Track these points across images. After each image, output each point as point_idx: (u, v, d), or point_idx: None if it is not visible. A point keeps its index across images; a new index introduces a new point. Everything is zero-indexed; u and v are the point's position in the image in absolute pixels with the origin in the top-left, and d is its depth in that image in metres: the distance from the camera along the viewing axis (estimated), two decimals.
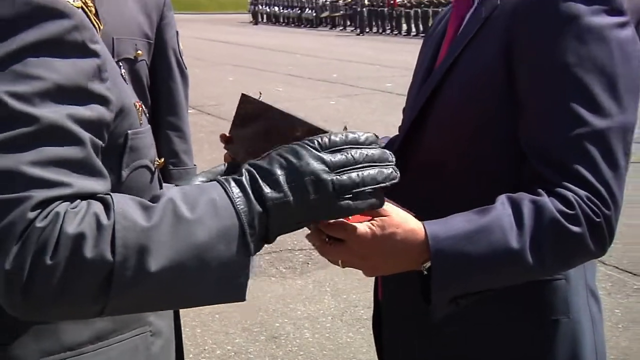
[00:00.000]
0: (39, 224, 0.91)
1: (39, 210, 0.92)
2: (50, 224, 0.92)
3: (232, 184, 0.99)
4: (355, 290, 4.55)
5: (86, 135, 1.01)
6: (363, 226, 1.21)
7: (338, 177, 1.01)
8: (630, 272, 4.81)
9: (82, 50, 1.04)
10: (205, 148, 6.82)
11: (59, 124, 0.98)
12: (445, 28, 1.64)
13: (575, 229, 1.23)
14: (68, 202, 0.94)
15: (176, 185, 1.28)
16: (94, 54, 1.06)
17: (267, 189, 0.99)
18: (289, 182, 1.00)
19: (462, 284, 1.28)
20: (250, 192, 0.99)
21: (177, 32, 2.56)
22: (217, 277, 0.97)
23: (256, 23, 39.59)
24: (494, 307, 1.41)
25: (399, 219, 1.24)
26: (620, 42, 1.31)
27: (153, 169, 1.22)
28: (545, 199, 1.25)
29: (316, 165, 1.01)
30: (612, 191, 1.26)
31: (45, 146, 0.96)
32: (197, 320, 3.99)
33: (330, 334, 4.02)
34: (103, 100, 1.04)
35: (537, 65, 1.34)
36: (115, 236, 0.92)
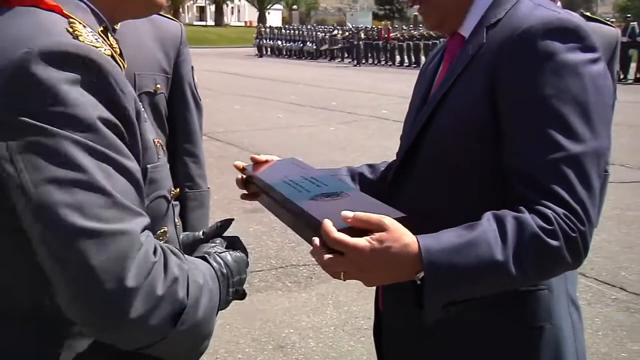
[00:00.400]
0: (153, 258, 1.04)
1: (147, 240, 1.05)
2: (159, 260, 1.05)
3: (221, 280, 1.24)
4: (356, 302, 4.55)
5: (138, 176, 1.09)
6: (363, 240, 1.23)
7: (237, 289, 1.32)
8: (609, 284, 4.83)
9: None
10: (215, 172, 6.73)
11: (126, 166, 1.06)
12: (439, 63, 1.68)
13: (554, 242, 1.24)
14: (150, 234, 1.07)
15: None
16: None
17: (230, 289, 1.29)
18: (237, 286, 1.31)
19: (452, 293, 1.29)
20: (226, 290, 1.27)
21: (192, 67, 2.59)
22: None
23: (261, 56, 39.73)
24: (483, 315, 1.42)
25: (396, 233, 1.25)
26: (593, 76, 1.34)
27: (169, 199, 1.27)
28: (527, 216, 1.27)
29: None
30: (587, 209, 1.28)
31: (118, 182, 1.05)
32: None
33: (333, 343, 4.02)
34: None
35: (519, 97, 1.36)
36: (189, 285, 1.09)
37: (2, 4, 1.16)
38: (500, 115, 1.39)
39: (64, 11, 1.15)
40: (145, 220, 1.08)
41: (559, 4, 2.60)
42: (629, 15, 33.86)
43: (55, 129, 1.01)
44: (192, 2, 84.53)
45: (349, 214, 1.25)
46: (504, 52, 1.39)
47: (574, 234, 1.26)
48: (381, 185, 1.74)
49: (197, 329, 1.13)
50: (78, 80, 1.05)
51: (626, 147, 8.73)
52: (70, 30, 1.11)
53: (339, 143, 10.46)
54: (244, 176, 1.71)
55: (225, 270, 1.26)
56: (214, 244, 1.36)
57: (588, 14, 2.86)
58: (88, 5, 1.21)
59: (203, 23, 77.51)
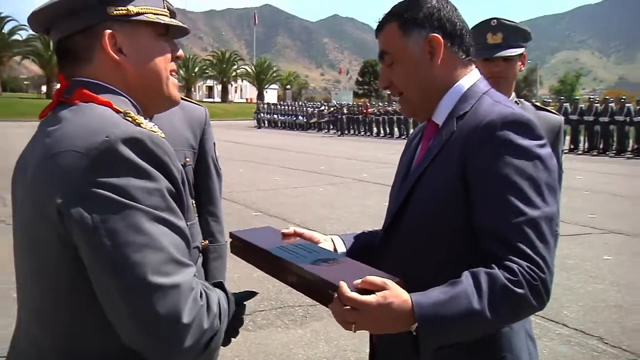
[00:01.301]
0: (200, 302, 1.10)
1: (196, 286, 1.11)
2: (204, 302, 1.11)
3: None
4: (344, 337, 4.50)
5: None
6: (371, 298, 1.26)
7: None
8: (553, 321, 4.85)
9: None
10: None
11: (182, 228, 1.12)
12: (419, 142, 1.67)
13: (520, 290, 1.27)
14: (198, 281, 1.13)
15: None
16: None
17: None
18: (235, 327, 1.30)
19: (440, 339, 1.30)
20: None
21: (214, 143, 2.65)
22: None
23: (260, 127, 39.61)
24: (457, 349, 1.39)
25: (396, 291, 1.28)
26: (542, 157, 1.38)
27: (200, 248, 1.33)
28: (496, 271, 1.29)
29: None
30: (546, 261, 1.31)
31: (174, 241, 1.10)
32: None
33: None
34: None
35: (486, 176, 1.38)
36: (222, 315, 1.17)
37: (67, 102, 1.21)
38: (470, 189, 1.40)
39: (114, 105, 1.20)
40: (193, 269, 1.12)
41: (513, 94, 2.67)
42: (562, 97, 34.61)
43: (130, 202, 1.05)
44: (202, 82, 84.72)
45: (359, 280, 1.28)
46: (471, 141, 1.41)
47: (535, 282, 1.28)
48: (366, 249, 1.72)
49: (217, 345, 1.18)
50: (149, 159, 1.09)
51: (565, 206, 8.75)
52: (131, 119, 1.17)
53: (326, 202, 10.41)
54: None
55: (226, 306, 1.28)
56: None
57: (538, 103, 2.93)
58: (130, 101, 1.26)
59: (211, 100, 77.53)
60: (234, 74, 75.95)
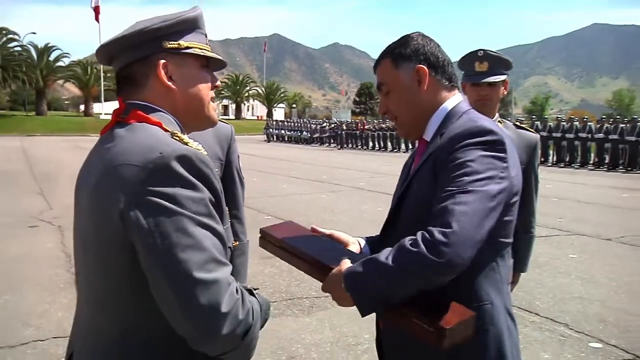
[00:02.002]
0: (236, 295, 1.12)
1: (232, 282, 1.13)
2: (239, 296, 1.13)
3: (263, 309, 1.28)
4: (345, 325, 4.53)
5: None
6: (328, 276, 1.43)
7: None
8: (527, 310, 4.88)
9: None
10: None
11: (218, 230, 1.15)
12: (414, 159, 1.69)
13: (413, 248, 1.28)
14: (234, 279, 1.15)
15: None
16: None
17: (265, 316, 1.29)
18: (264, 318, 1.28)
19: (365, 292, 1.35)
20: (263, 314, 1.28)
21: (238, 155, 2.67)
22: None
23: (269, 141, 39.49)
24: None
25: (341, 267, 1.41)
26: (489, 157, 1.39)
27: (232, 249, 1.30)
28: (404, 239, 1.33)
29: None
30: (459, 224, 1.28)
31: (215, 244, 1.12)
32: None
33: (330, 355, 4.00)
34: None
35: (442, 170, 1.41)
36: (253, 312, 1.18)
37: (124, 122, 1.23)
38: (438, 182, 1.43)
39: (163, 125, 1.22)
40: (230, 267, 1.15)
41: (497, 115, 2.70)
42: (533, 116, 34.63)
43: (179, 209, 1.08)
44: (218, 102, 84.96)
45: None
46: (441, 151, 1.45)
47: (431, 239, 1.27)
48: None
49: (253, 341, 1.19)
50: (195, 173, 1.12)
51: (537, 211, 8.83)
52: (178, 139, 1.19)
53: (328, 207, 10.42)
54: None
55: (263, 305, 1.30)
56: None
57: (518, 123, 2.95)
58: (177, 122, 1.28)
59: (226, 117, 76.35)
60: (246, 94, 75.84)
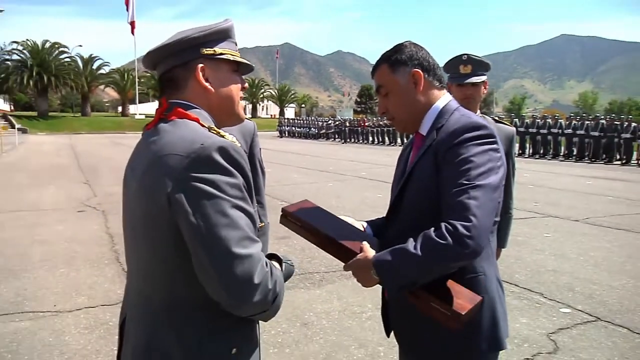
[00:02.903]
0: (266, 268, 1.13)
1: (263, 257, 1.14)
2: (268, 269, 1.14)
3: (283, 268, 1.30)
4: (351, 296, 4.54)
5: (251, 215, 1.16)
6: (352, 260, 1.42)
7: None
8: (508, 282, 4.84)
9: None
10: None
11: (250, 211, 1.13)
12: (410, 150, 1.68)
13: (441, 241, 1.28)
14: (263, 254, 1.15)
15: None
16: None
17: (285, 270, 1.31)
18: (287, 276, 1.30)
19: (394, 277, 1.34)
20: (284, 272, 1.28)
21: (260, 148, 2.68)
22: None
23: (281, 137, 39.32)
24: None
25: (366, 253, 1.40)
26: (486, 149, 1.39)
27: (258, 229, 1.25)
28: (428, 230, 1.31)
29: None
30: (475, 216, 1.29)
31: (251, 223, 1.13)
32: None
33: (338, 322, 4.02)
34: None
35: (444, 164, 1.41)
36: (278, 282, 1.18)
37: (167, 118, 1.23)
38: (439, 180, 1.42)
39: (200, 121, 1.22)
40: (260, 244, 1.14)
41: (478, 111, 2.69)
42: (512, 114, 34.35)
43: (218, 192, 1.08)
44: None
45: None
46: (442, 145, 1.44)
47: (457, 232, 1.27)
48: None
49: (278, 305, 1.19)
50: (231, 161, 1.11)
51: (516, 197, 8.79)
52: (215, 132, 1.18)
53: (334, 194, 10.40)
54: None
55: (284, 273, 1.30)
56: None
57: (497, 118, 2.95)
58: (212, 118, 1.28)
59: (246, 116, 76.01)
60: (261, 96, 75.47)
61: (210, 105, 1.28)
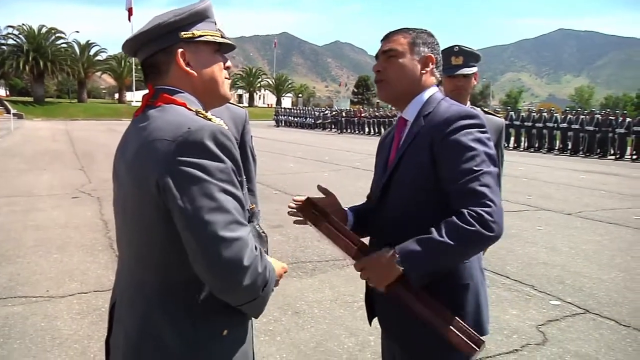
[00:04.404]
0: (255, 252, 1.12)
1: (252, 241, 1.12)
2: (258, 253, 1.13)
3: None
4: (343, 285, 4.56)
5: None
6: (369, 257, 1.44)
7: None
8: (499, 274, 4.85)
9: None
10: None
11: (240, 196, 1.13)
12: (392, 137, 1.68)
13: (469, 227, 1.32)
14: (252, 238, 1.13)
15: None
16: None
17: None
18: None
19: (421, 268, 1.36)
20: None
21: (251, 135, 2.64)
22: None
23: (277, 126, 39.16)
24: (433, 281, 1.43)
25: (383, 249, 1.40)
26: (481, 137, 1.44)
27: (250, 212, 1.27)
28: (451, 218, 1.35)
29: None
30: (492, 200, 1.35)
31: (236, 207, 1.10)
32: None
33: (329, 311, 4.03)
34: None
35: (446, 153, 1.43)
36: (269, 268, 1.18)
37: (154, 105, 1.22)
38: (437, 166, 1.44)
39: (187, 106, 1.21)
40: (249, 228, 1.14)
41: (469, 103, 2.68)
42: (508, 107, 34.34)
43: (205, 176, 1.07)
44: (234, 91, 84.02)
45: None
46: (436, 132, 1.46)
47: (482, 217, 1.32)
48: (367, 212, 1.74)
49: (268, 295, 1.19)
50: (218, 145, 1.11)
51: (510, 190, 8.86)
52: (202, 116, 1.19)
53: (330, 183, 10.24)
54: (296, 205, 1.64)
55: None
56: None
57: (485, 109, 2.96)
58: (199, 101, 1.27)
59: (241, 105, 74.94)
60: (258, 85, 75.09)
61: (195, 88, 1.27)
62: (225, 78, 1.34)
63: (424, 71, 1.58)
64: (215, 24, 1.33)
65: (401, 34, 1.60)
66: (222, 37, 1.32)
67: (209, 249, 1.06)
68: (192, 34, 1.26)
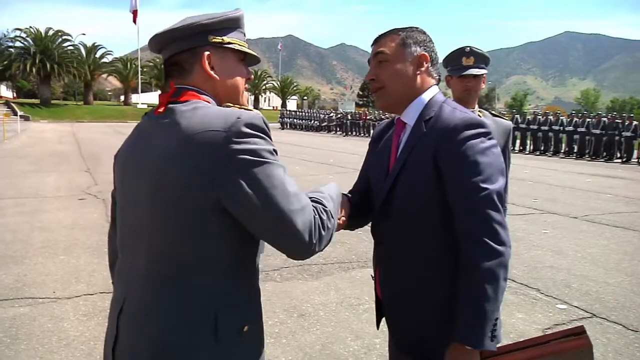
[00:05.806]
0: (316, 215, 1.19)
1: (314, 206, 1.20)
2: (322, 216, 1.20)
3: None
4: (348, 288, 4.56)
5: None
6: None
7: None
8: None
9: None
10: None
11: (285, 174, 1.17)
12: (390, 140, 1.62)
13: (487, 264, 1.33)
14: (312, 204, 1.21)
15: None
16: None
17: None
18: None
19: (488, 330, 1.33)
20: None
21: None
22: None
23: (283, 128, 39.14)
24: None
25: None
26: (494, 152, 1.40)
27: None
28: (473, 261, 1.33)
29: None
30: (500, 223, 1.36)
31: (292, 181, 1.16)
32: None
33: (334, 313, 4.03)
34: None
35: (456, 165, 1.38)
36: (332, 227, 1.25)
37: (178, 101, 1.21)
38: (442, 175, 1.40)
39: (210, 103, 1.23)
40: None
41: (476, 106, 2.66)
42: (514, 110, 34.31)
43: (262, 159, 1.11)
44: None
45: None
46: (442, 140, 1.41)
47: (495, 246, 1.34)
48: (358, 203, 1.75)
49: (334, 229, 1.27)
50: (264, 130, 1.15)
51: (515, 193, 8.80)
52: (238, 107, 1.20)
53: None
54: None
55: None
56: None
57: (494, 112, 2.95)
58: (215, 101, 1.26)
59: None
60: (263, 87, 75.11)
61: (216, 93, 1.27)
62: (245, 89, 1.34)
63: (418, 72, 1.52)
64: (244, 35, 1.34)
65: (389, 36, 1.54)
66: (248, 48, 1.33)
67: (285, 221, 1.11)
68: (222, 39, 1.26)
